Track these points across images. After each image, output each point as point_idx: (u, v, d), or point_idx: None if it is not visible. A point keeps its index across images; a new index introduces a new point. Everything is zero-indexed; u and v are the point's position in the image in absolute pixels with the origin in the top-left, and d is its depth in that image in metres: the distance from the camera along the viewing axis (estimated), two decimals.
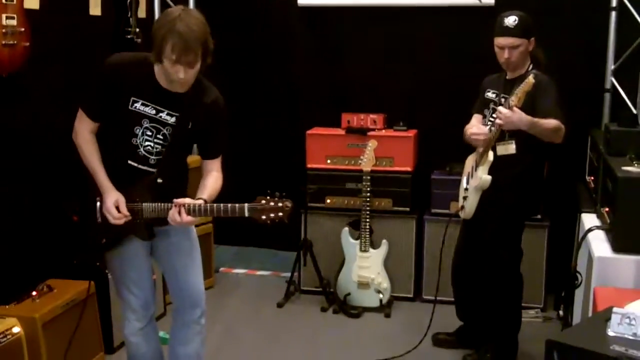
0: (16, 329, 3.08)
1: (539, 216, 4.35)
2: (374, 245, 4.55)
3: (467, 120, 3.82)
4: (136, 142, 2.81)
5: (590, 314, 2.99)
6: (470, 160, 3.81)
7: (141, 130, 2.80)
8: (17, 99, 3.54)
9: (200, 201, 2.76)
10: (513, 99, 3.31)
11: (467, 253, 3.85)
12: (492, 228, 3.67)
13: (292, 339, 4.18)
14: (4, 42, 3.27)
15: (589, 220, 3.52)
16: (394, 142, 4.63)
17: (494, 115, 3.61)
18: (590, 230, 3.27)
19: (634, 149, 3.45)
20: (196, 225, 3.15)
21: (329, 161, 4.74)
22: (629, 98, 4.39)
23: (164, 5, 4.78)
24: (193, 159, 3.09)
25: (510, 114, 3.31)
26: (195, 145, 3.06)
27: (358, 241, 4.53)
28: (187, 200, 2.75)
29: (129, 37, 4.26)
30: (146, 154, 2.83)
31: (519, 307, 3.81)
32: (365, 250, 4.52)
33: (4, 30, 3.28)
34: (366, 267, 4.53)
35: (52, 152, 3.70)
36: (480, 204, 3.65)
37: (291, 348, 4.07)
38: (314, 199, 4.72)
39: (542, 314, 4.44)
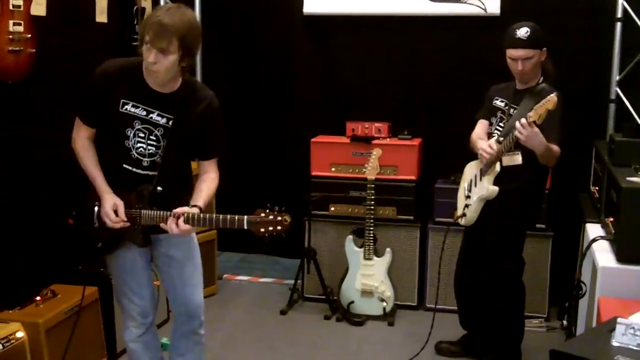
0: (19, 334, 3.09)
1: (543, 226, 4.34)
2: (378, 253, 4.54)
3: (472, 129, 3.82)
4: (129, 144, 2.82)
5: (594, 324, 2.98)
6: (472, 168, 3.80)
7: (133, 132, 2.81)
8: (23, 107, 3.56)
9: (196, 209, 2.75)
10: (532, 115, 3.27)
11: (469, 263, 3.85)
12: (493, 238, 3.67)
13: (295, 347, 4.17)
14: (10, 48, 3.29)
15: (593, 230, 3.52)
16: (398, 150, 4.63)
17: (501, 124, 3.61)
18: (594, 240, 3.28)
19: (639, 159, 3.45)
20: (199, 232, 3.14)
21: (333, 169, 4.74)
22: (634, 109, 4.38)
23: None
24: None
25: (534, 133, 3.28)
26: None
27: (362, 249, 4.52)
28: (185, 209, 2.74)
29: (134, 44, 4.27)
30: (139, 156, 2.83)
31: (522, 317, 3.80)
32: (369, 259, 4.51)
33: (10, 37, 3.30)
34: (370, 275, 4.53)
35: (57, 158, 3.70)
36: (482, 212, 3.65)
37: (294, 356, 4.07)
38: (317, 206, 4.72)
39: (545, 323, 4.42)
